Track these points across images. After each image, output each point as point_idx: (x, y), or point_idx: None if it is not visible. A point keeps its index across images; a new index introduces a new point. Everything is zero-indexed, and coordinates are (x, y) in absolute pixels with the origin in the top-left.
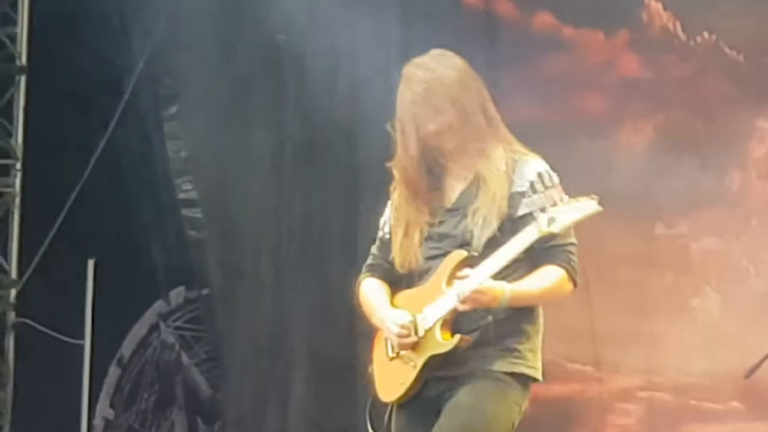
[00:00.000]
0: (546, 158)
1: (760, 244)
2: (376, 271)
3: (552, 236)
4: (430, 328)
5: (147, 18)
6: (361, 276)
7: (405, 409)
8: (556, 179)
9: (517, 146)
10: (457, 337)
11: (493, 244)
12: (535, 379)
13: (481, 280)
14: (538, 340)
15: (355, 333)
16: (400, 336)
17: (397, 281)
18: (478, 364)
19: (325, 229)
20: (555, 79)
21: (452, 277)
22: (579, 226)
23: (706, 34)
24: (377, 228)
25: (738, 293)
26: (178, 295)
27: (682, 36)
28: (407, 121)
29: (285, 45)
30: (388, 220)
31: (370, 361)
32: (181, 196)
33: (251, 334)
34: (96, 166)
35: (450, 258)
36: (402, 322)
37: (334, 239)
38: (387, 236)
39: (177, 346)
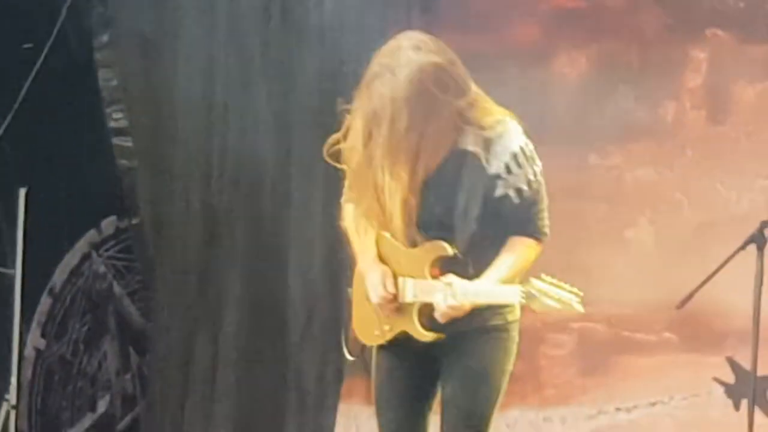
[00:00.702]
0: (481, 89)
1: (694, 176)
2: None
3: (530, 204)
4: (409, 304)
5: None
6: (343, 199)
7: (384, 353)
8: (531, 152)
9: (487, 117)
10: (434, 335)
11: (474, 242)
12: (514, 321)
13: (465, 297)
14: None
15: (287, 265)
16: (381, 300)
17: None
18: (472, 320)
19: (258, 159)
20: (489, 9)
21: (435, 264)
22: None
23: None
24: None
25: (672, 224)
26: (109, 224)
27: None
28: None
29: None
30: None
31: (349, 282)
32: (112, 125)
33: (182, 263)
34: (27, 95)
35: (437, 246)
36: (390, 288)
37: (268, 170)
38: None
39: (109, 276)
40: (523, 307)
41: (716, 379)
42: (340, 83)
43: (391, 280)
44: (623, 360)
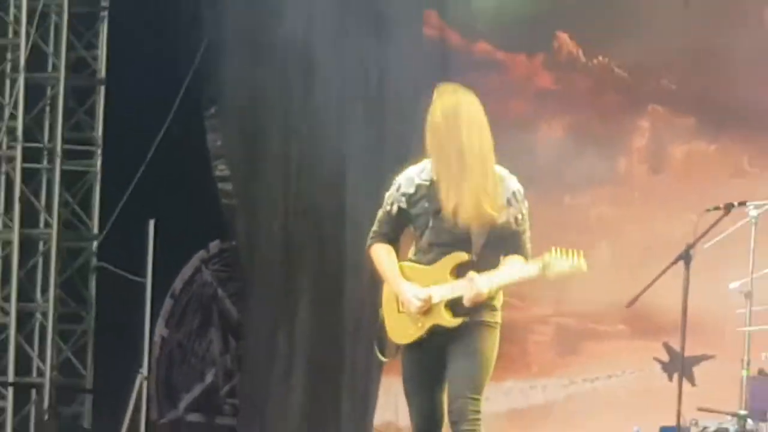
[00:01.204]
0: None
1: (641, 212)
2: (383, 237)
3: (523, 232)
4: (436, 304)
5: (192, 39)
6: (371, 239)
7: (412, 351)
8: (522, 194)
9: (497, 167)
10: (460, 320)
11: (483, 254)
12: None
13: (485, 286)
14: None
15: (344, 278)
16: (419, 309)
17: (398, 243)
18: (473, 317)
19: (320, 200)
20: (491, 90)
21: (455, 270)
22: None
23: (601, 57)
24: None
25: (624, 247)
26: (215, 246)
27: (583, 59)
28: (453, 143)
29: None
30: (396, 199)
31: (379, 303)
32: (217, 174)
33: (267, 275)
34: (156, 151)
35: (455, 255)
36: (422, 297)
37: (332, 208)
38: (394, 211)
39: (214, 284)
40: (515, 307)
41: (656, 359)
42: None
43: (420, 291)
44: (589, 345)
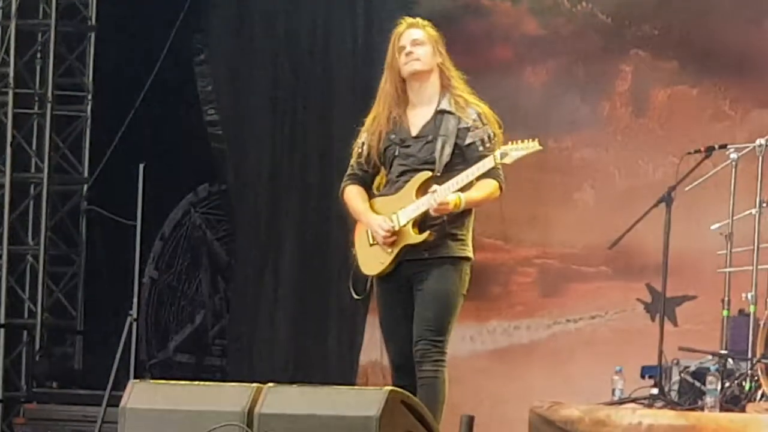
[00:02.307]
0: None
1: (623, 155)
2: (354, 178)
3: (487, 154)
4: (404, 225)
5: None
6: (344, 183)
7: (384, 282)
8: (490, 118)
9: (465, 93)
10: (427, 233)
11: (448, 166)
12: (470, 259)
13: (448, 193)
14: (471, 228)
15: (330, 220)
16: (385, 237)
17: (371, 185)
18: (438, 251)
19: (306, 144)
20: (476, 36)
21: (420, 190)
22: None
23: (584, 3)
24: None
25: (607, 189)
26: (203, 189)
27: (567, 4)
28: (395, 54)
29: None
30: (365, 140)
31: (352, 243)
32: (207, 118)
33: (255, 218)
34: (146, 96)
35: (419, 176)
36: (386, 227)
37: (314, 152)
38: (365, 153)
39: (203, 226)
40: (499, 249)
41: (638, 299)
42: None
43: (386, 221)
44: (572, 286)
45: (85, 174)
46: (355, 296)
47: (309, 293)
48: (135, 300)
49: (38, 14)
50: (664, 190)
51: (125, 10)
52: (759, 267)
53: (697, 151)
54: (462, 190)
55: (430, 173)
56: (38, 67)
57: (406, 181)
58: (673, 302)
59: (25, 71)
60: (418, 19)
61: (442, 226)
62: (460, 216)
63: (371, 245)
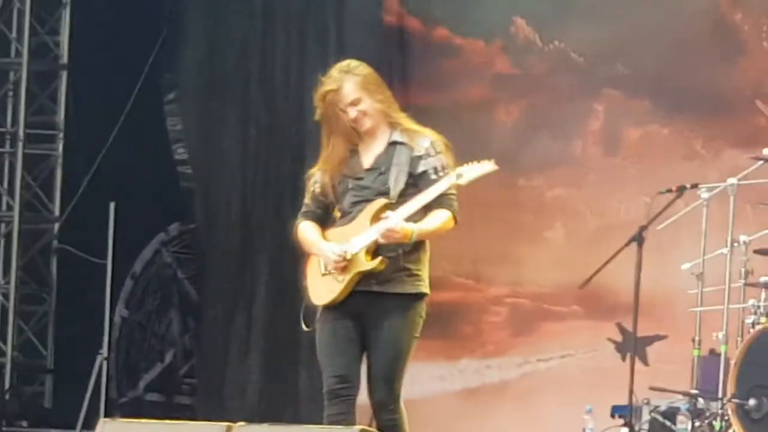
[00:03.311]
0: (443, 131)
1: (594, 194)
2: (308, 215)
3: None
4: (356, 254)
5: (153, 26)
6: (298, 220)
7: (332, 311)
8: (441, 147)
9: (412, 124)
10: (378, 258)
11: (403, 194)
12: (427, 294)
13: (399, 220)
14: (427, 264)
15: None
16: (336, 262)
17: (325, 223)
18: (391, 286)
19: (280, 185)
20: (449, 74)
21: (375, 218)
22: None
23: (557, 42)
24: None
25: (578, 228)
26: (174, 228)
27: (540, 44)
28: (333, 115)
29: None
30: (318, 178)
31: (304, 276)
32: (177, 157)
33: (226, 257)
34: (117, 135)
35: (374, 204)
36: (337, 251)
37: (286, 192)
38: (317, 190)
39: (174, 265)
40: (470, 288)
41: (609, 339)
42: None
43: (338, 246)
44: (543, 325)
45: (57, 213)
46: (305, 328)
47: (280, 332)
48: (105, 339)
49: (10, 53)
50: (636, 229)
51: (97, 49)
52: (730, 306)
53: (669, 191)
54: (416, 221)
55: (385, 200)
56: (10, 106)
57: (360, 211)
58: (643, 342)
59: None
60: (346, 66)
61: (397, 259)
62: (415, 250)
63: (323, 275)
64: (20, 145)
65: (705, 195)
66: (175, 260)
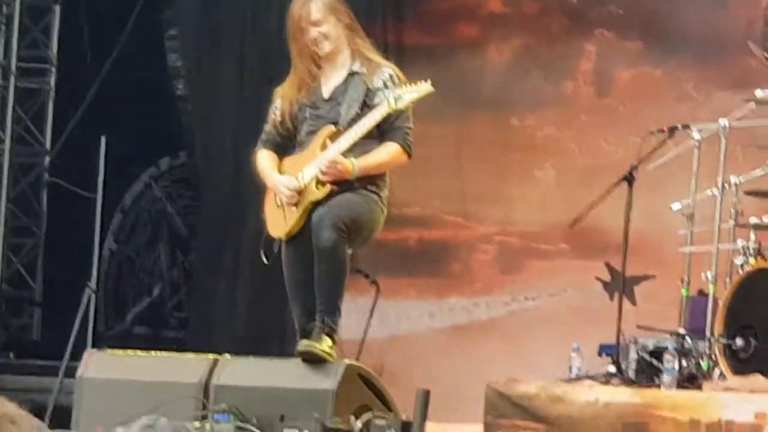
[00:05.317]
0: (434, 72)
1: (584, 134)
2: (267, 143)
3: (396, 117)
4: (308, 183)
5: None
6: (257, 148)
7: (290, 245)
8: (401, 79)
9: (375, 55)
10: (328, 186)
11: (354, 123)
12: (381, 195)
13: (338, 152)
14: (386, 188)
15: None
16: (289, 197)
17: (284, 150)
18: (352, 187)
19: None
20: (441, 14)
21: (323, 146)
22: (460, 121)
23: None
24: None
25: (568, 168)
26: (164, 163)
27: None
28: (297, 32)
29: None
30: (278, 105)
31: (262, 209)
32: (177, 93)
33: (217, 190)
34: (110, 69)
35: (322, 130)
36: (290, 185)
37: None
38: (278, 118)
39: (164, 199)
40: (460, 226)
41: (597, 278)
42: None
43: (290, 180)
44: (531, 263)
45: (47, 146)
46: (265, 260)
47: (268, 266)
48: (94, 272)
49: None
50: (626, 170)
51: None
52: (719, 247)
53: (660, 131)
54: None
55: (333, 127)
56: (2, 39)
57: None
58: (632, 281)
59: None
60: None
61: (349, 182)
62: (367, 182)
63: (278, 206)
64: (12, 78)
65: (696, 135)
66: (165, 194)
